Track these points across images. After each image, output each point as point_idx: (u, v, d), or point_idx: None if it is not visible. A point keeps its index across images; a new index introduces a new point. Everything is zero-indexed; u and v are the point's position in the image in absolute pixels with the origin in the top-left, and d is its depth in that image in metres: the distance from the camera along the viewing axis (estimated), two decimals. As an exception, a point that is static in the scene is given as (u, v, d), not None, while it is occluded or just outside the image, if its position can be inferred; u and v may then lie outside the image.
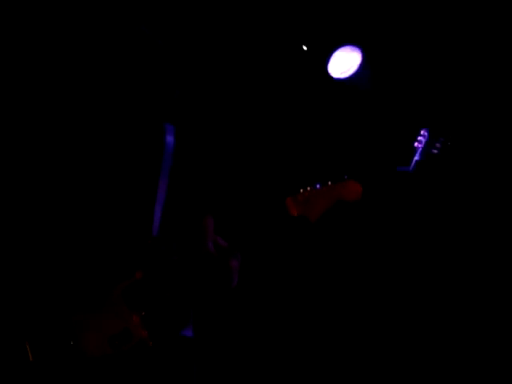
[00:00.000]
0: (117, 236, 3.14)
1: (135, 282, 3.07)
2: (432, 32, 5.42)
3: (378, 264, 5.77)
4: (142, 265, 3.12)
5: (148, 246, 3.17)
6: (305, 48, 5.55)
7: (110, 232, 3.13)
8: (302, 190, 3.17)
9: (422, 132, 4.79)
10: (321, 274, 5.81)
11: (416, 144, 4.78)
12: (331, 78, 5.56)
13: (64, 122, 3.15)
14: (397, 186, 5.34)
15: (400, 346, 5.72)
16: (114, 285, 3.05)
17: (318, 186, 3.29)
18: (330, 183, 3.23)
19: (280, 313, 5.85)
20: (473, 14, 5.39)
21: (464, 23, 5.41)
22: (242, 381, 5.76)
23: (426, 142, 4.77)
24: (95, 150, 3.19)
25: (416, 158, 4.72)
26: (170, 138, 3.37)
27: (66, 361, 2.92)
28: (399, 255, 5.74)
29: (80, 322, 2.96)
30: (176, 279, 3.12)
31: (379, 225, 5.72)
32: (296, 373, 5.78)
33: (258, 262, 5.73)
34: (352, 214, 5.72)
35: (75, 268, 3.05)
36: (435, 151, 4.81)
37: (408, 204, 5.63)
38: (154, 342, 3.06)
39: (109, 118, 3.24)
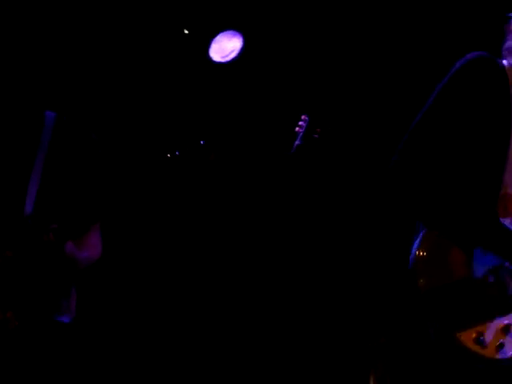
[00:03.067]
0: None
1: (5, 260, 3.04)
2: (313, 19, 5.51)
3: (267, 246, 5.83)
4: (12, 243, 3.07)
5: (19, 224, 3.12)
6: (186, 32, 5.56)
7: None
8: None
9: (302, 117, 4.88)
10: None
11: (297, 129, 4.86)
12: (212, 61, 5.59)
13: None
14: (278, 170, 5.43)
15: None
16: None
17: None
18: None
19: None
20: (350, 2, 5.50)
21: (340, 10, 5.51)
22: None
23: (307, 127, 4.86)
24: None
25: (297, 142, 4.81)
26: (50, 113, 3.34)
27: None
28: (279, 235, 5.80)
29: None
30: (46, 260, 3.11)
31: (259, 208, 5.78)
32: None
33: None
34: (231, 196, 5.76)
35: None
36: (315, 136, 4.91)
37: (288, 187, 5.71)
38: (21, 323, 3.03)
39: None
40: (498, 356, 2.72)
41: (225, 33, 5.55)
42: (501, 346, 2.71)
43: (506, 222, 2.79)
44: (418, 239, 2.82)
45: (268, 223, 5.79)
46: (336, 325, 5.75)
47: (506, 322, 2.73)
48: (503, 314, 2.75)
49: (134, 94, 5.64)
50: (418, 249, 2.80)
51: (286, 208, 5.76)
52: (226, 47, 5.56)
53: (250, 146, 5.63)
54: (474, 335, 2.72)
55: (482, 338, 2.71)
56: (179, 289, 5.75)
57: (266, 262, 5.77)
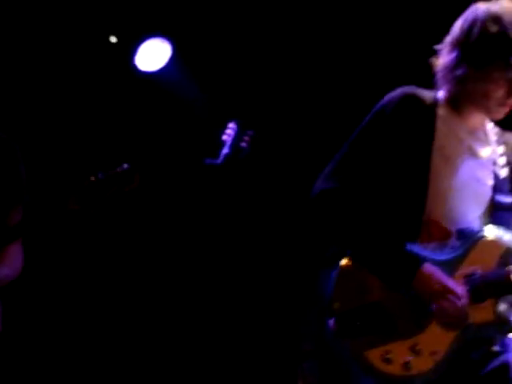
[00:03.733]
0: None
1: None
2: (242, 25, 5.50)
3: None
4: None
5: None
6: (113, 40, 5.48)
7: None
8: None
9: (230, 125, 4.86)
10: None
11: (224, 137, 4.84)
12: (138, 70, 5.52)
13: None
14: (205, 178, 5.39)
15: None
16: None
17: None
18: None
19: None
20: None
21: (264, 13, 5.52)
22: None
23: (235, 135, 4.85)
24: None
25: (225, 150, 4.79)
26: None
27: None
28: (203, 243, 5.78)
29: None
30: None
31: (197, 216, 5.74)
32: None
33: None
34: (162, 205, 5.72)
35: None
36: (244, 144, 4.89)
37: (216, 196, 5.68)
38: None
39: None
40: (404, 373, 2.86)
41: (152, 40, 5.49)
42: (407, 364, 2.86)
43: (430, 246, 2.93)
44: (338, 264, 2.97)
45: (197, 232, 5.77)
46: (261, 332, 5.77)
47: (412, 341, 2.87)
48: (410, 333, 2.88)
49: (58, 105, 5.55)
50: (337, 272, 2.95)
51: (214, 216, 5.74)
52: (153, 55, 5.50)
53: (176, 155, 5.57)
54: (380, 353, 2.87)
55: (388, 356, 2.86)
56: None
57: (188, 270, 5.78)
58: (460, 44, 2.98)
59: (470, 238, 2.96)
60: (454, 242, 2.96)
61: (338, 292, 2.94)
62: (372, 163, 3.00)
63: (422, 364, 2.87)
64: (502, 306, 2.91)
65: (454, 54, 2.98)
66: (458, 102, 3.05)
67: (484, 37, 2.94)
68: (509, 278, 2.88)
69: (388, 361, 2.87)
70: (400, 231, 2.94)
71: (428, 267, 2.88)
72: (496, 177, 3.05)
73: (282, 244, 5.74)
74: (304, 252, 5.55)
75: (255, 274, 5.78)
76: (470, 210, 3.01)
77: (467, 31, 2.97)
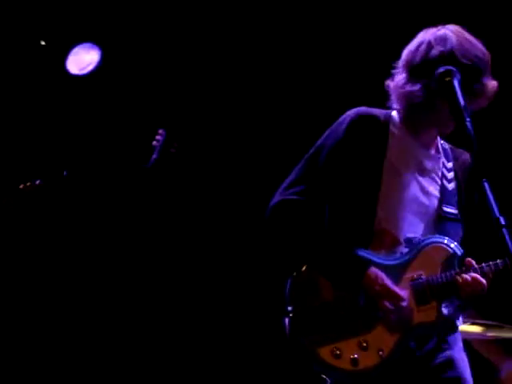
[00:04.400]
0: None
1: None
2: (171, 32, 5.53)
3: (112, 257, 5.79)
4: None
5: None
6: (43, 43, 5.47)
7: None
8: None
9: (159, 131, 4.88)
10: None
11: (154, 142, 4.87)
12: (69, 74, 5.52)
13: None
14: (135, 183, 5.40)
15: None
16: None
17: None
18: None
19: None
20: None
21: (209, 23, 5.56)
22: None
23: (164, 141, 4.87)
24: None
25: (154, 156, 4.81)
26: None
27: None
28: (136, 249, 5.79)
29: None
30: None
31: (117, 220, 5.74)
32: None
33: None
34: (88, 210, 5.71)
35: None
36: (172, 150, 4.92)
37: (146, 200, 5.69)
38: None
39: None
40: (352, 368, 3.07)
41: (82, 45, 5.50)
42: (354, 360, 3.07)
43: (381, 253, 3.16)
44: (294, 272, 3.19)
45: (125, 236, 5.77)
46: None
47: (360, 338, 3.09)
48: (359, 331, 3.10)
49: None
50: (292, 277, 3.18)
51: (143, 221, 5.76)
52: (83, 59, 5.50)
53: (106, 160, 5.58)
54: (331, 349, 3.07)
55: (337, 352, 3.07)
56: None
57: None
58: (408, 65, 3.13)
59: (416, 245, 3.16)
60: (402, 249, 3.17)
61: (292, 295, 3.14)
62: (327, 177, 3.19)
63: (369, 360, 3.07)
64: (446, 307, 3.11)
65: (403, 75, 3.13)
66: (410, 120, 3.21)
67: (428, 57, 3.08)
68: (453, 280, 3.08)
69: (337, 356, 3.06)
70: (353, 239, 3.16)
71: (373, 270, 3.08)
72: (444, 190, 3.23)
73: (208, 247, 5.80)
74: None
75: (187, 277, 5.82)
76: (418, 220, 3.20)
77: (414, 52, 3.13)
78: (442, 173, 3.26)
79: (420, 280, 3.12)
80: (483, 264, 3.11)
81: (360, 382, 3.12)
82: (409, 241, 3.17)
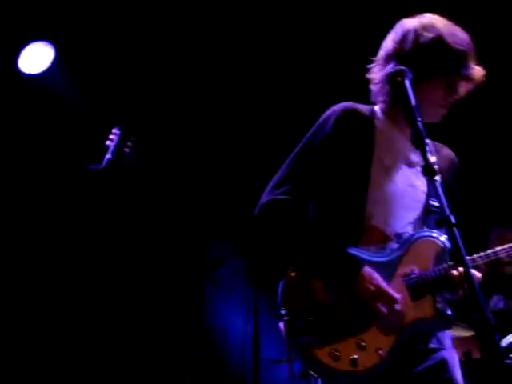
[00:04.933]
0: None
1: None
2: (128, 32, 5.51)
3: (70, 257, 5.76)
4: None
5: None
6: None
7: None
8: None
9: (113, 130, 4.85)
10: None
11: (108, 142, 4.84)
12: (21, 72, 5.47)
13: None
14: (88, 184, 5.36)
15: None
16: None
17: None
18: None
19: None
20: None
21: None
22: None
23: (118, 141, 4.84)
24: None
25: (108, 156, 4.78)
26: None
27: None
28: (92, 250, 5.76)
29: None
30: None
31: (72, 221, 5.71)
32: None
33: None
34: (42, 209, 5.66)
35: None
36: (127, 150, 4.90)
37: (99, 201, 5.66)
38: None
39: None
40: (351, 369, 3.01)
41: (35, 43, 5.45)
42: (353, 360, 3.01)
43: (371, 249, 3.11)
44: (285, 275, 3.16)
45: (79, 236, 5.74)
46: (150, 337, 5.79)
47: (357, 338, 3.03)
48: (355, 331, 3.04)
49: None
50: (283, 282, 3.12)
51: (96, 221, 5.73)
52: (36, 58, 5.45)
53: (57, 160, 5.54)
54: (328, 351, 3.01)
55: (336, 353, 3.01)
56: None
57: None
58: (395, 55, 3.10)
59: (407, 241, 3.12)
60: (392, 244, 3.13)
61: (284, 298, 3.08)
62: (316, 175, 3.16)
63: (369, 360, 3.01)
64: (440, 302, 3.08)
65: (390, 65, 3.08)
66: (395, 113, 3.17)
67: (419, 44, 3.07)
68: (446, 273, 3.04)
69: (336, 358, 3.00)
70: (343, 237, 3.11)
71: (367, 270, 3.04)
72: (430, 183, 3.20)
73: (164, 249, 5.79)
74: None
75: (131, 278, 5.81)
76: (407, 215, 3.17)
77: (401, 42, 3.10)
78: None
79: (413, 275, 3.08)
80: (475, 256, 3.09)
81: (360, 383, 3.05)
82: (398, 236, 3.14)
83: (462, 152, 3.45)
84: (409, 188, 3.19)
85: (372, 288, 3.02)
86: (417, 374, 3.07)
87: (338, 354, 3.01)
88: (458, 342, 5.09)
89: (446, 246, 3.11)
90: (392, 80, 2.77)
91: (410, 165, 3.21)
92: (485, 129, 5.88)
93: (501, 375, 2.32)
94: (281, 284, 3.12)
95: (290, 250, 3.15)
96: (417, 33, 3.09)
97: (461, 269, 2.96)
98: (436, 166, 3.17)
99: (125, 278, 5.79)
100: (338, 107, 3.20)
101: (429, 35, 3.08)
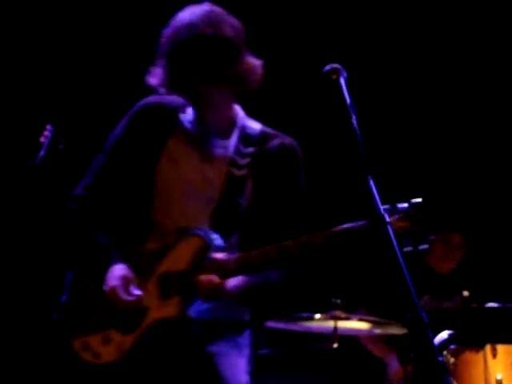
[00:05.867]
0: None
1: None
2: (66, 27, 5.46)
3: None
4: None
5: None
6: None
7: None
8: None
9: (47, 127, 4.80)
10: None
11: (42, 139, 4.78)
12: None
13: None
14: (22, 181, 5.29)
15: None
16: None
17: None
18: None
19: None
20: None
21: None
22: None
23: (51, 138, 4.79)
24: None
25: (42, 152, 4.73)
26: None
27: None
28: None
29: None
30: None
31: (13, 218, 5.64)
32: None
33: None
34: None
35: None
36: (61, 146, 4.85)
37: (33, 199, 5.60)
38: None
39: None
40: (95, 361, 3.06)
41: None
42: (97, 354, 3.06)
43: (157, 245, 3.10)
44: None
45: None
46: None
47: (105, 332, 3.07)
48: (105, 326, 3.07)
49: None
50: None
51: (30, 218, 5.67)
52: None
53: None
54: (81, 343, 3.10)
55: (86, 345, 3.08)
56: None
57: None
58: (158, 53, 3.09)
59: (178, 237, 3.07)
60: (170, 240, 3.08)
61: (68, 292, 3.16)
62: (109, 171, 3.18)
63: (109, 355, 3.04)
64: (188, 303, 3.01)
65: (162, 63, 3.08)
66: (192, 106, 3.14)
67: (160, 41, 3.07)
68: (192, 274, 2.99)
69: (86, 348, 3.06)
70: (131, 233, 3.12)
71: (117, 266, 3.04)
72: (231, 177, 3.13)
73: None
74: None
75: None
76: (197, 210, 3.10)
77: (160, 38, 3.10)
78: (234, 160, 3.14)
79: (168, 273, 3.03)
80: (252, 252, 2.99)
81: (103, 375, 3.08)
82: (180, 231, 3.08)
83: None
84: (201, 183, 3.11)
85: (113, 284, 3.01)
86: (182, 378, 3.06)
87: (87, 345, 3.06)
88: (390, 340, 5.14)
89: (210, 246, 3.03)
90: (327, 78, 2.73)
91: (208, 159, 3.14)
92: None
93: (433, 373, 2.33)
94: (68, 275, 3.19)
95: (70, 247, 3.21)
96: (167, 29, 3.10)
97: (205, 274, 2.95)
98: (247, 159, 3.15)
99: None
100: (139, 103, 3.21)
101: (166, 31, 3.08)
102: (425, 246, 2.91)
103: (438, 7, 5.70)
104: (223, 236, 3.07)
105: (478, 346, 4.75)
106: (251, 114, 3.24)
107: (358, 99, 2.65)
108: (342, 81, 2.70)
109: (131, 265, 3.07)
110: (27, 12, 5.42)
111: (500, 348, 4.73)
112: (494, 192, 6.06)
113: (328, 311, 4.77)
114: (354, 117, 2.61)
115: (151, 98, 3.19)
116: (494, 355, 4.70)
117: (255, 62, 3.08)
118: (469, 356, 4.75)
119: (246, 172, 3.14)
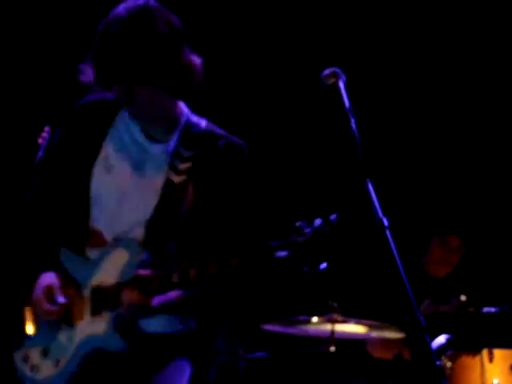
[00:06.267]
0: None
1: None
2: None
3: None
4: None
5: None
6: None
7: None
8: None
9: (45, 129, 4.80)
10: None
11: (40, 140, 4.79)
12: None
13: None
14: (20, 181, 5.29)
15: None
16: None
17: None
18: None
19: None
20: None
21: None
22: None
23: (50, 139, 4.79)
24: None
25: (40, 154, 4.73)
26: None
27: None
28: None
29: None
30: None
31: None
32: None
33: None
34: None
35: None
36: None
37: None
38: None
39: None
40: (32, 375, 2.97)
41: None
42: (35, 366, 2.97)
43: (93, 254, 3.01)
44: None
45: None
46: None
47: (45, 346, 2.97)
48: (45, 339, 2.98)
49: None
50: None
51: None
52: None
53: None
54: (23, 355, 3.00)
55: (26, 356, 2.98)
56: None
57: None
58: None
59: (110, 247, 2.96)
60: (105, 249, 2.96)
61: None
62: (52, 171, 3.08)
63: (46, 369, 2.95)
64: (118, 320, 2.89)
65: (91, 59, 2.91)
66: (132, 107, 2.94)
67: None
68: (119, 289, 2.88)
69: (25, 360, 2.98)
70: (71, 240, 3.00)
71: (45, 277, 2.95)
72: (169, 184, 2.95)
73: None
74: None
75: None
76: (131, 219, 2.95)
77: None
78: (173, 164, 2.96)
79: (99, 287, 2.92)
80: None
81: None
82: (115, 240, 2.95)
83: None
84: (135, 189, 2.95)
85: (37, 293, 2.94)
86: None
87: (27, 357, 2.98)
88: (388, 343, 5.12)
89: (135, 258, 2.90)
90: (326, 81, 2.68)
91: (143, 165, 2.96)
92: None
93: (431, 378, 2.33)
94: None
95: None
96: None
97: (135, 292, 2.82)
98: (187, 164, 2.94)
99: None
100: (81, 100, 3.07)
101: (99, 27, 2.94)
102: (324, 266, 2.85)
103: (437, 9, 5.69)
104: (158, 246, 2.92)
105: (475, 351, 4.74)
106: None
107: (356, 103, 2.64)
108: (341, 84, 2.66)
109: (71, 272, 2.99)
110: (27, 12, 5.41)
111: (497, 352, 4.72)
112: (492, 195, 6.06)
113: (325, 314, 4.76)
114: (352, 120, 2.59)
115: (88, 97, 3.05)
116: (491, 360, 4.70)
117: (194, 60, 2.87)
118: (466, 360, 4.74)
119: (186, 178, 2.95)
